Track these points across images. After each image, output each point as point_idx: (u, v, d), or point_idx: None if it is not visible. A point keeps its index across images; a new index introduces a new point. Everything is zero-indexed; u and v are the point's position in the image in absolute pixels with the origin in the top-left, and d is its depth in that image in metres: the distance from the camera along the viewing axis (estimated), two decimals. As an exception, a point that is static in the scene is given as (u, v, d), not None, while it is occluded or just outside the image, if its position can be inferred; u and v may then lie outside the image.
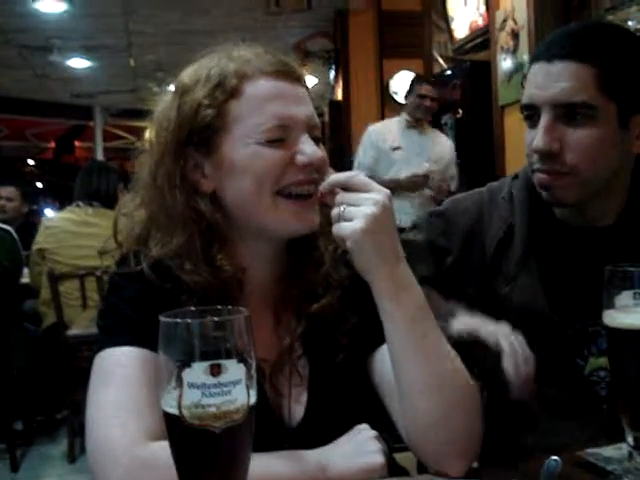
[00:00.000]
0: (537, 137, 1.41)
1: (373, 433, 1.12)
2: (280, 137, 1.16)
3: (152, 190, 1.22)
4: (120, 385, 1.09)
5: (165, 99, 1.25)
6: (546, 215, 1.52)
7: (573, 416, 1.46)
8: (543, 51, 1.44)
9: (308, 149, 1.17)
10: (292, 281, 1.26)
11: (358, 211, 1.07)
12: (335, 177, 1.13)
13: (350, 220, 1.07)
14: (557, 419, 1.46)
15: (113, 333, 1.16)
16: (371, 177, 1.16)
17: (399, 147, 5.15)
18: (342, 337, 1.23)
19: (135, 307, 1.17)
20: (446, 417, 1.10)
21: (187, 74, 1.23)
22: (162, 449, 0.97)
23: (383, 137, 5.20)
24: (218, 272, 1.17)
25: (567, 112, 1.39)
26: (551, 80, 1.40)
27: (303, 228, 1.20)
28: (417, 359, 1.10)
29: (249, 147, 1.16)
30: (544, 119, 1.41)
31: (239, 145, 1.17)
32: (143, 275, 1.19)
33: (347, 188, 1.11)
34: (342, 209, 1.08)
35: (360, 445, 1.10)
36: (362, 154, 5.27)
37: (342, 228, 1.08)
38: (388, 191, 1.11)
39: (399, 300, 1.10)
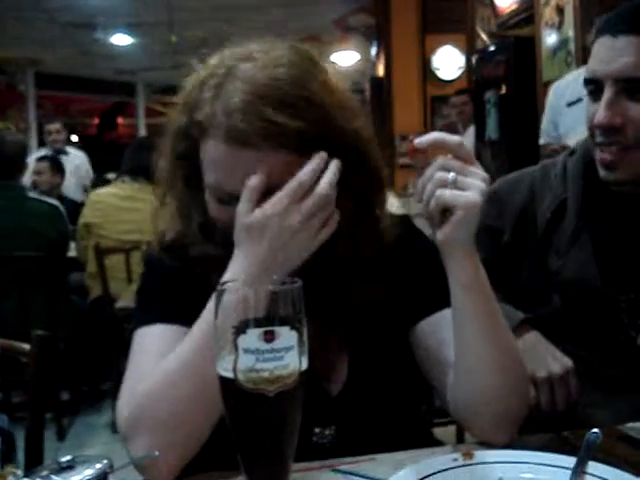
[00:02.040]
0: (599, 111, 1.40)
1: None
2: (227, 201, 1.11)
3: (167, 173, 1.23)
4: (151, 360, 1.13)
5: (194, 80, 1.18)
6: (600, 187, 1.52)
7: (622, 389, 1.47)
8: (608, 25, 1.42)
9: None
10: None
11: (472, 183, 1.04)
12: (440, 136, 1.08)
13: (464, 190, 1.04)
14: (606, 393, 1.47)
15: (148, 311, 1.21)
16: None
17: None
18: (385, 323, 1.24)
19: (167, 284, 1.21)
20: (506, 394, 1.12)
21: (192, 77, 1.18)
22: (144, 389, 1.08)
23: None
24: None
25: (630, 87, 1.38)
26: (615, 54, 1.38)
27: None
28: (489, 335, 1.10)
29: (207, 190, 1.15)
30: (607, 94, 1.40)
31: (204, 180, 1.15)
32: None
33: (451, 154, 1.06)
34: (453, 175, 1.04)
35: None
36: None
37: (457, 196, 1.03)
38: None
39: (478, 276, 1.10)
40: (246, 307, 0.78)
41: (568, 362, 1.42)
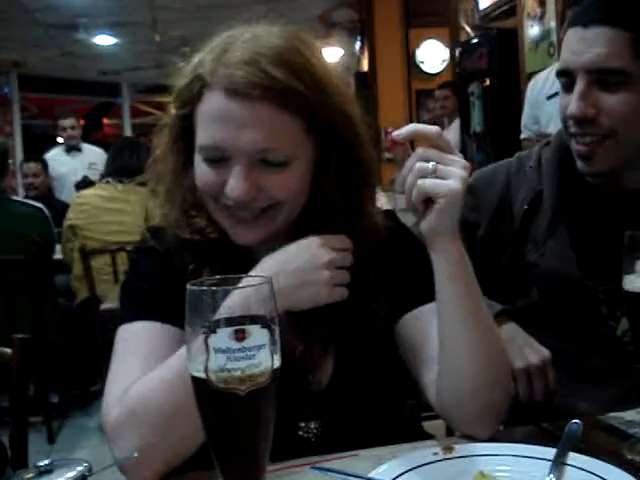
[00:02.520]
0: (572, 103, 1.40)
1: (327, 259, 1.12)
2: (218, 158, 1.13)
3: (160, 163, 1.26)
4: (132, 357, 1.15)
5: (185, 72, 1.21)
6: (575, 179, 1.52)
7: (602, 379, 1.47)
8: (579, 16, 1.43)
9: (231, 183, 1.11)
10: None
11: (452, 171, 1.05)
12: (418, 127, 1.09)
13: (444, 179, 1.04)
14: (588, 383, 1.48)
15: (130, 308, 1.22)
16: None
17: None
18: (371, 313, 1.24)
19: (148, 282, 1.22)
20: (490, 384, 1.12)
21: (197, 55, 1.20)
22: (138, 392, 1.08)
23: None
24: (202, 233, 1.20)
25: (602, 78, 1.38)
26: (586, 45, 1.39)
27: (242, 242, 1.19)
28: (473, 324, 1.11)
29: (197, 156, 1.16)
30: (579, 85, 1.40)
31: (196, 148, 1.17)
32: (157, 250, 1.24)
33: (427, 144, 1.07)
34: (432, 164, 1.05)
35: (309, 273, 1.11)
36: None
37: (438, 185, 1.04)
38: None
39: (464, 265, 1.10)
40: (216, 306, 0.77)
41: (545, 352, 1.42)
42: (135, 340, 1.17)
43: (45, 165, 6.25)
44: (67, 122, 7.19)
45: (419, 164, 1.06)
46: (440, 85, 6.79)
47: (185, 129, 1.19)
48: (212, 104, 1.12)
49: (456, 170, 1.05)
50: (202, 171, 1.15)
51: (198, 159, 1.16)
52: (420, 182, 1.05)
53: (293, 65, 1.11)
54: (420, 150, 1.07)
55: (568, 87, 1.44)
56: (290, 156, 1.13)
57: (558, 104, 1.49)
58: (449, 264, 1.09)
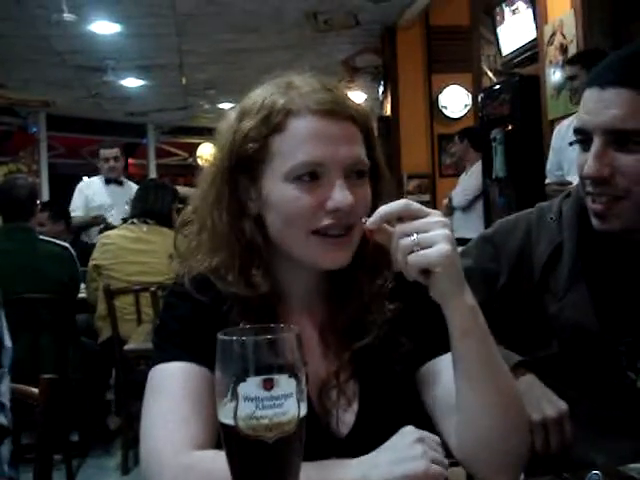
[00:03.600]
0: (588, 163, 1.41)
1: (418, 435, 1.03)
2: (313, 175, 1.17)
3: (202, 208, 1.27)
4: (169, 398, 1.15)
5: (228, 120, 1.26)
6: (595, 231, 1.54)
7: (620, 431, 1.47)
8: (595, 77, 1.44)
9: (338, 195, 1.16)
10: (336, 309, 1.28)
11: (435, 235, 1.05)
12: (385, 209, 1.10)
13: (430, 246, 1.05)
14: (606, 436, 1.47)
15: (165, 349, 1.22)
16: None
17: None
18: (393, 361, 1.26)
19: (185, 324, 1.23)
20: (506, 435, 1.13)
21: (247, 100, 1.25)
22: (204, 456, 1.06)
23: None
24: (255, 288, 1.21)
25: (618, 138, 1.39)
26: (602, 106, 1.40)
27: (332, 265, 1.21)
28: (489, 379, 1.12)
29: (283, 185, 1.17)
30: (595, 145, 1.41)
31: (276, 180, 1.19)
32: (192, 295, 1.25)
33: (401, 218, 1.09)
34: (414, 237, 1.06)
35: (402, 451, 1.02)
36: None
37: (427, 256, 1.05)
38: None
39: (477, 319, 1.11)
40: (246, 355, 0.80)
41: (562, 405, 1.42)
42: (172, 380, 1.17)
43: (55, 210, 5.78)
44: (111, 152, 6.46)
45: (401, 241, 1.07)
46: (457, 135, 6.75)
47: (240, 172, 1.22)
48: (303, 127, 1.17)
49: (438, 232, 1.06)
50: (294, 196, 1.17)
51: (282, 188, 1.18)
52: (409, 259, 1.06)
53: (349, 101, 1.23)
54: (398, 227, 1.08)
55: (585, 145, 1.45)
56: (367, 169, 1.22)
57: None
58: (461, 321, 1.11)
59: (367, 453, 1.18)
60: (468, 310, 1.11)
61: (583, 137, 1.46)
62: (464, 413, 1.15)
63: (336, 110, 1.18)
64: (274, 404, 0.79)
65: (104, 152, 6.50)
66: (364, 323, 1.26)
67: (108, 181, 6.51)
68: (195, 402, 1.13)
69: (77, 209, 6.50)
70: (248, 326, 0.88)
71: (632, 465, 1.18)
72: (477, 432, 1.13)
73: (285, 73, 1.26)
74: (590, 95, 1.44)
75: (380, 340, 1.25)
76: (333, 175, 1.17)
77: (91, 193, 6.58)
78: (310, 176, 1.16)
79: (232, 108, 1.30)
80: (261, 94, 1.23)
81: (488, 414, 1.12)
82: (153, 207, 4.34)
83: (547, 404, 1.42)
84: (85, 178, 7.15)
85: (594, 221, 1.47)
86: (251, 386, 0.78)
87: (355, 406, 1.24)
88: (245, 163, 1.22)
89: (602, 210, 1.44)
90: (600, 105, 1.41)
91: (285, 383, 0.79)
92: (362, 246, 1.23)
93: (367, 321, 1.26)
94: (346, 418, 1.23)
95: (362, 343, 1.24)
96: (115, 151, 6.47)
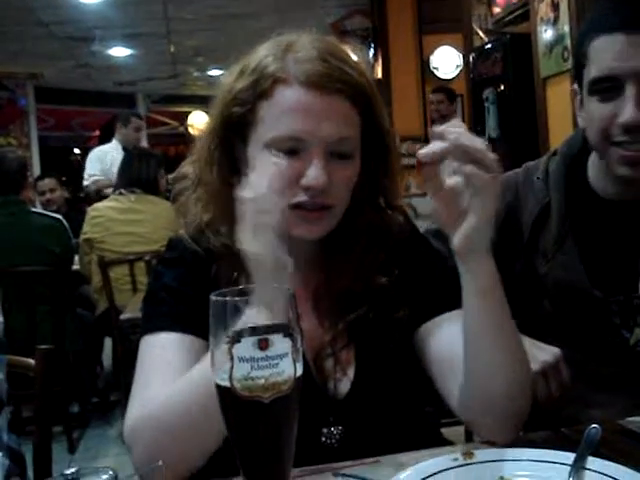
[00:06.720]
0: (626, 109, 1.36)
1: None
2: (292, 150, 1.14)
3: (198, 164, 1.27)
4: (153, 367, 1.16)
5: (228, 75, 1.24)
6: (583, 190, 1.52)
7: (615, 388, 1.47)
8: (616, 21, 1.38)
9: (312, 173, 1.14)
10: (330, 278, 1.27)
11: (485, 187, 1.01)
12: (440, 146, 1.01)
13: (477, 195, 1.01)
14: (601, 392, 1.48)
15: (153, 319, 1.23)
16: None
17: None
18: (389, 328, 1.25)
19: (172, 292, 1.23)
20: (515, 396, 1.13)
21: (248, 57, 1.22)
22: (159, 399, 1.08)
23: None
24: None
25: None
26: (634, 51, 1.35)
27: (308, 235, 1.20)
28: (503, 343, 1.11)
29: (263, 152, 1.16)
30: (632, 90, 1.36)
31: (258, 146, 1.17)
32: (182, 260, 1.26)
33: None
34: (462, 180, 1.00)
35: None
36: None
37: (477, 176, 1.00)
38: None
39: (494, 283, 1.09)
40: (240, 316, 0.79)
41: (556, 349, 1.41)
42: (158, 352, 1.18)
43: (59, 179, 6.06)
44: (47, 184, 5.94)
45: (453, 179, 1.01)
46: (433, 89, 6.86)
47: (233, 131, 1.21)
48: (288, 97, 1.15)
49: (489, 188, 1.02)
50: (271, 167, 1.14)
51: (264, 155, 1.16)
52: (465, 168, 1.00)
53: (357, 66, 1.20)
54: (455, 165, 1.01)
55: (607, 94, 1.39)
56: (355, 150, 1.19)
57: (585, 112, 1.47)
58: (483, 280, 1.08)
59: (364, 417, 1.19)
60: (488, 271, 1.08)
61: (608, 85, 1.39)
62: (473, 376, 1.13)
63: (324, 83, 1.14)
64: (270, 364, 0.78)
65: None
66: (359, 293, 1.25)
67: (125, 149, 6.12)
68: (176, 370, 1.13)
69: (95, 175, 6.52)
70: (241, 286, 0.87)
71: (631, 418, 1.18)
72: (485, 393, 1.12)
73: (294, 31, 1.23)
74: (613, 41, 1.37)
75: (375, 309, 1.25)
76: (312, 151, 1.14)
77: (109, 161, 6.44)
78: (289, 150, 1.15)
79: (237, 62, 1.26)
80: (259, 54, 1.21)
81: (499, 379, 1.11)
82: (139, 175, 4.31)
83: (541, 351, 1.41)
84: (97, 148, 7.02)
85: (622, 169, 1.41)
86: (246, 347, 0.78)
87: (351, 373, 1.24)
88: (235, 123, 1.20)
89: (637, 157, 1.39)
90: (632, 49, 1.35)
91: (280, 343, 0.79)
92: (356, 218, 1.22)
93: (362, 291, 1.25)
94: (342, 384, 1.23)
95: (357, 314, 1.24)
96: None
